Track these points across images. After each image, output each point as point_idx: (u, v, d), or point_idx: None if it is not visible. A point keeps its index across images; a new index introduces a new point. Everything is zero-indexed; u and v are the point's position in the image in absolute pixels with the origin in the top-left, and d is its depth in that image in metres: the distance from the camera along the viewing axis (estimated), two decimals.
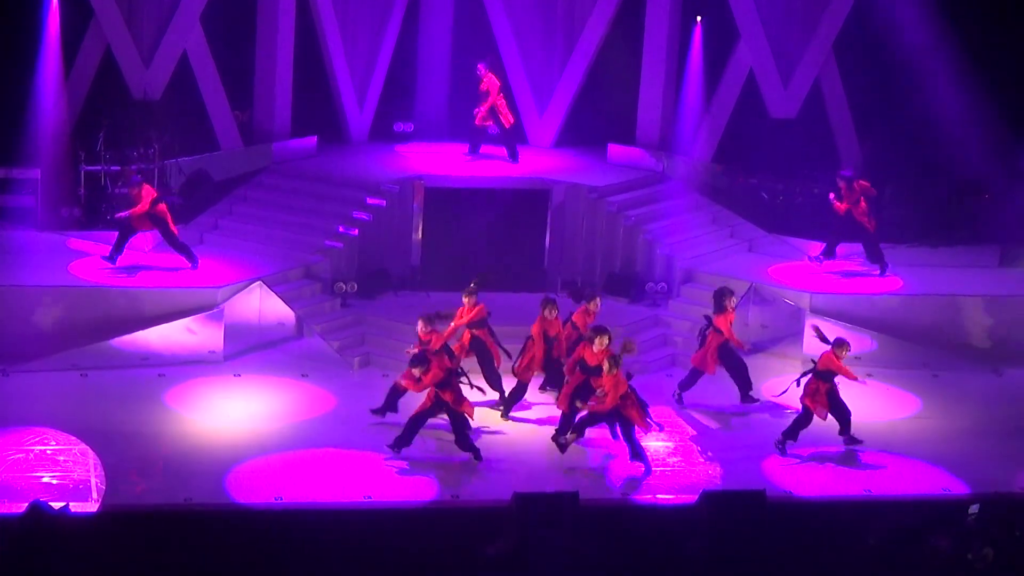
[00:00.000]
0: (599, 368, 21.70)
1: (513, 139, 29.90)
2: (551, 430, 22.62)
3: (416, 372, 21.41)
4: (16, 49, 27.22)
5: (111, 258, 25.21)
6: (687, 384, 24.14)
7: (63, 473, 20.33)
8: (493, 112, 29.39)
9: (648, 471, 21.54)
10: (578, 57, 31.58)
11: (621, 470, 21.78)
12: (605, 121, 31.39)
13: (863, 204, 26.91)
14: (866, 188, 26.91)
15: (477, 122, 29.55)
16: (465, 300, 23.44)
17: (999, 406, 24.88)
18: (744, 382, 24.18)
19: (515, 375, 23.45)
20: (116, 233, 25.37)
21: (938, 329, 26.55)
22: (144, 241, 25.89)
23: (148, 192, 25.24)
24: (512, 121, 29.73)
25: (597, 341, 22.09)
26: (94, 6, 27.76)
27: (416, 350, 22.10)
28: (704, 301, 26.76)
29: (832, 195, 26.96)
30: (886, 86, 30.28)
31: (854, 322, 26.11)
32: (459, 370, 21.97)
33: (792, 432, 22.48)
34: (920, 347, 25.98)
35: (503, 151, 29.81)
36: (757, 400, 24.16)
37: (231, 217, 27.97)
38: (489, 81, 29.34)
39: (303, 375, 24.28)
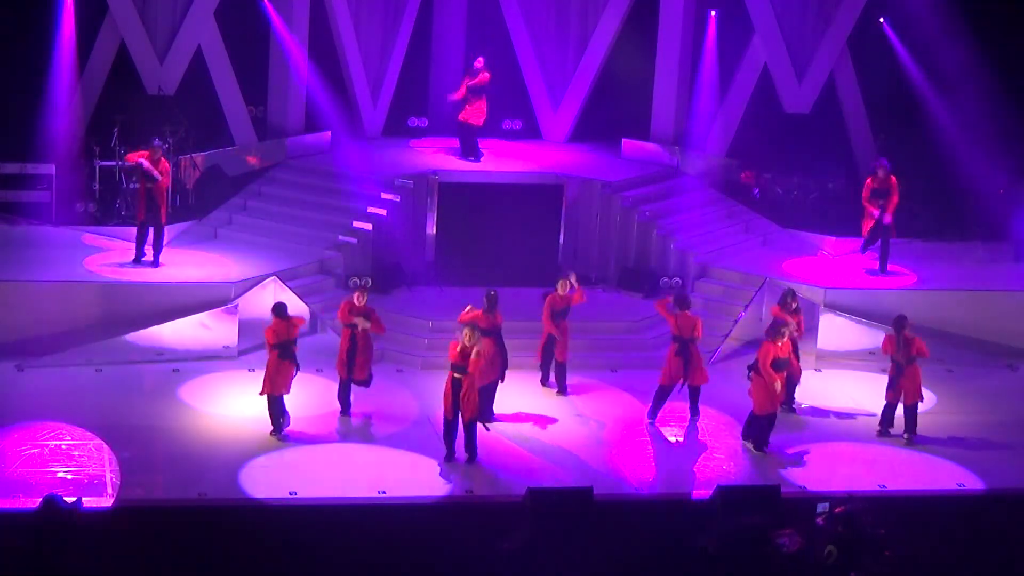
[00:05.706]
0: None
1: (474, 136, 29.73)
2: (564, 425, 22.75)
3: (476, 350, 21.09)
4: (31, 45, 27.28)
5: (138, 259, 25.39)
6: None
7: (78, 468, 20.35)
8: (465, 103, 29.25)
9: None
10: (592, 52, 31.55)
11: (636, 465, 21.79)
12: (619, 116, 31.37)
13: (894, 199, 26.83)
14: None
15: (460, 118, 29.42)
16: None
17: (1013, 401, 24.85)
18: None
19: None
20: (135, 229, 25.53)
21: (953, 324, 26.50)
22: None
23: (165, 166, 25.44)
24: (482, 123, 29.54)
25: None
26: (108, 2, 27.80)
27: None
28: (718, 295, 26.84)
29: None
30: (900, 80, 30.21)
31: (868, 317, 26.08)
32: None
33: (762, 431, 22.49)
34: (935, 342, 25.89)
35: (511, 147, 29.82)
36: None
37: (245, 212, 28.00)
38: (482, 77, 29.27)
39: (318, 370, 24.24)
